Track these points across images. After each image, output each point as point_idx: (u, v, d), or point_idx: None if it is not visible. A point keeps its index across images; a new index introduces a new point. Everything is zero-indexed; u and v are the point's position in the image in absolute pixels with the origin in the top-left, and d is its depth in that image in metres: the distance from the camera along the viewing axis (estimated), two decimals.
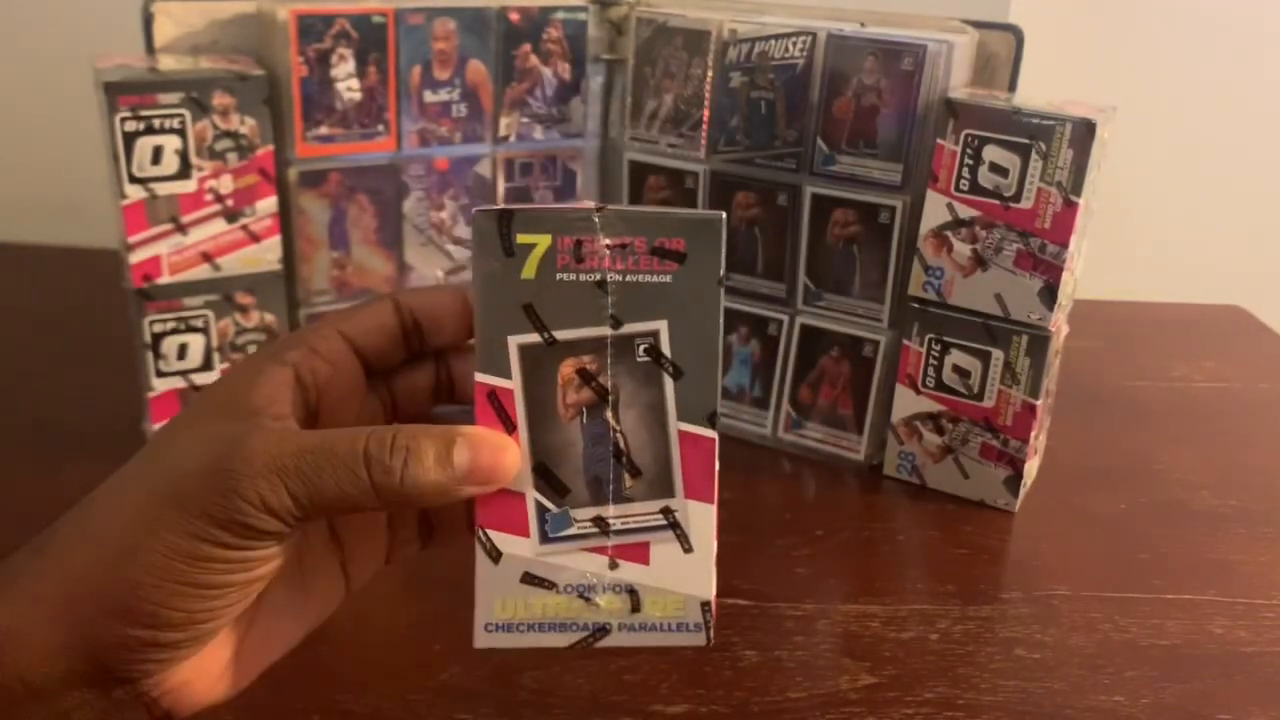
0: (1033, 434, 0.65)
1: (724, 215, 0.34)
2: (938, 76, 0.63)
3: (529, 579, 0.35)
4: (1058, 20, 1.02)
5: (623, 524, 0.35)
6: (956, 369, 0.66)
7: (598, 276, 0.34)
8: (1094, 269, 0.72)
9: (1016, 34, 0.66)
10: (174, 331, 0.66)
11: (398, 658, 0.52)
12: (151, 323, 0.65)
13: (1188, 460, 0.74)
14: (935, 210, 0.64)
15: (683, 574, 0.35)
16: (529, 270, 0.34)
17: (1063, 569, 0.61)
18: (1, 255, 1.00)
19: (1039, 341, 0.63)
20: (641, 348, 0.34)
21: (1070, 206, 0.60)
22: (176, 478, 0.31)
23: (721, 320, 0.34)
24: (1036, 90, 0.65)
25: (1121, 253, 1.00)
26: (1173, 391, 0.85)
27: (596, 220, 0.33)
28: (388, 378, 0.39)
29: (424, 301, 0.37)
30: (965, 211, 0.63)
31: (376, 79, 0.69)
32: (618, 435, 0.34)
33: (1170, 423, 0.80)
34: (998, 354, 0.64)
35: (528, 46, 0.73)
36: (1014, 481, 0.66)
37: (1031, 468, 0.68)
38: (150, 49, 0.67)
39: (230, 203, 0.66)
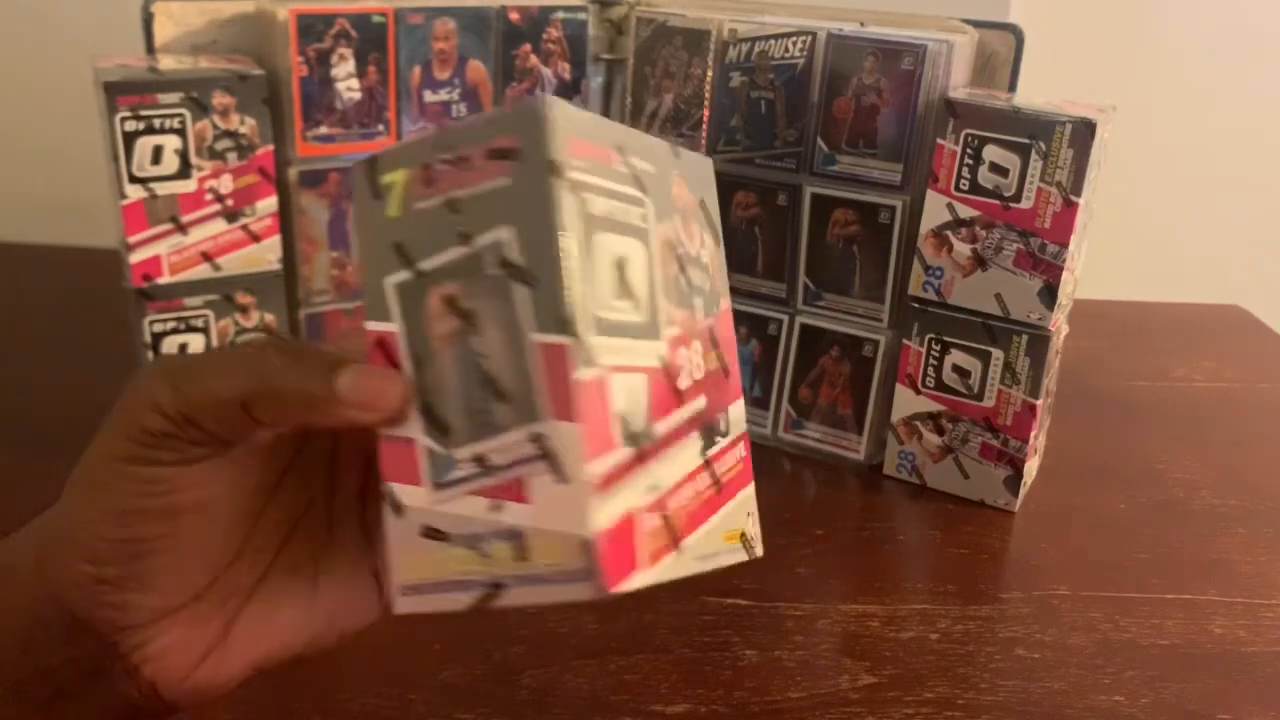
0: (1032, 434, 0.65)
1: (548, 99, 0.30)
2: (938, 76, 0.63)
3: (428, 532, 0.31)
4: (1058, 20, 1.02)
5: (500, 459, 0.30)
6: (956, 369, 0.66)
7: (445, 197, 0.31)
8: (1094, 269, 0.72)
9: (1016, 34, 0.66)
10: (174, 331, 0.66)
11: (398, 658, 0.52)
12: (151, 322, 0.65)
13: (1187, 460, 0.74)
14: (935, 210, 0.64)
15: (562, 510, 0.29)
16: (394, 208, 0.32)
17: (1062, 569, 0.61)
18: (1, 255, 1.00)
19: (1039, 341, 0.63)
20: (492, 260, 0.30)
21: (1070, 206, 0.60)
22: (105, 422, 0.33)
23: (559, 214, 0.29)
24: (1036, 90, 0.65)
25: (1121, 252, 1.00)
26: (1173, 391, 0.85)
27: (435, 140, 0.32)
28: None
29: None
30: (965, 211, 0.63)
31: (376, 79, 0.69)
32: (481, 360, 0.31)
33: (1170, 422, 0.80)
34: (997, 354, 0.64)
35: (528, 46, 0.73)
36: (1014, 481, 0.66)
37: (1031, 467, 0.68)
38: (150, 49, 0.67)
39: (230, 202, 0.66)
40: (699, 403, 0.34)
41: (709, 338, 0.35)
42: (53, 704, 0.33)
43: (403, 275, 0.32)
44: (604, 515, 0.29)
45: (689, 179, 0.36)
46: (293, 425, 0.33)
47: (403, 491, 0.32)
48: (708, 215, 0.37)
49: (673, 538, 0.31)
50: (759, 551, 0.36)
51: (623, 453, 0.30)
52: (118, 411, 0.32)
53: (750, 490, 0.36)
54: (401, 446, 0.32)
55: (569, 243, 0.30)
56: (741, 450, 0.36)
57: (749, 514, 0.36)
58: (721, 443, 0.35)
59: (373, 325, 0.32)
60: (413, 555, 0.32)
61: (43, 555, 0.32)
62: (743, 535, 0.35)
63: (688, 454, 0.33)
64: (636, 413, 0.31)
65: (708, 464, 0.34)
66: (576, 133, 0.31)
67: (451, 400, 0.31)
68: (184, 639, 0.33)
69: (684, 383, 0.33)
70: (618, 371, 0.30)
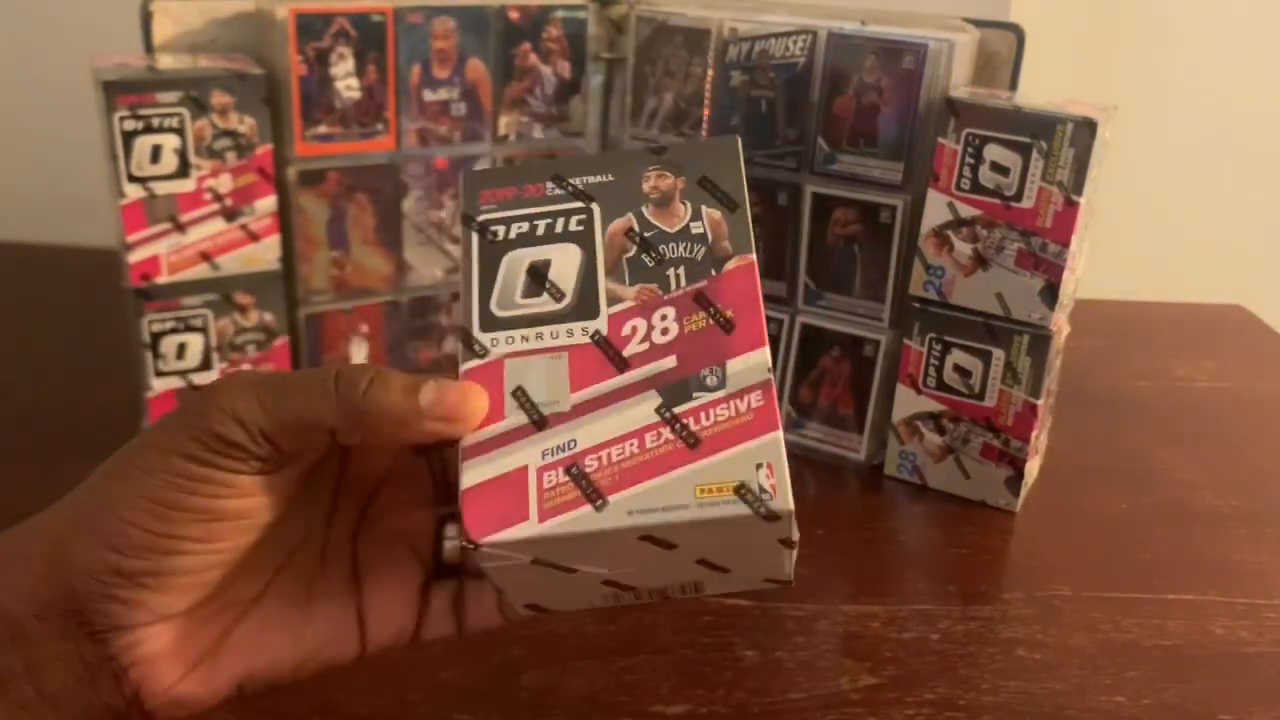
0: (1034, 434, 0.65)
1: (468, 172, 0.39)
2: (939, 75, 0.63)
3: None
4: (1059, 19, 1.02)
5: None
6: (957, 368, 0.66)
7: None
8: (1095, 268, 0.72)
9: (1018, 33, 0.66)
10: (173, 331, 0.66)
11: (398, 658, 0.51)
12: (150, 322, 0.65)
13: (1189, 460, 0.74)
14: (936, 209, 0.64)
15: None
16: None
17: (1064, 569, 0.61)
18: (1, 255, 1.00)
19: (1040, 341, 0.63)
20: None
21: (1071, 206, 0.60)
22: (160, 421, 0.34)
23: (463, 251, 0.39)
24: (1038, 89, 0.65)
25: (1123, 252, 0.99)
26: (1174, 391, 0.85)
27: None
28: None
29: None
30: (966, 210, 0.63)
31: (375, 78, 0.69)
32: None
33: (1171, 422, 0.80)
34: (999, 353, 0.64)
35: (527, 45, 0.73)
36: (1015, 481, 0.66)
37: (1032, 467, 0.68)
38: (149, 48, 0.66)
39: (229, 202, 0.65)
40: (659, 364, 0.36)
41: (692, 301, 0.37)
42: (33, 705, 0.32)
43: None
44: (469, 476, 0.34)
45: (680, 164, 0.40)
46: (376, 442, 0.35)
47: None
48: (710, 188, 0.40)
49: (590, 492, 0.34)
50: (779, 505, 0.35)
51: (511, 421, 0.35)
52: (184, 412, 0.33)
53: (767, 441, 0.35)
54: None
55: (468, 271, 0.38)
56: (753, 402, 0.36)
57: (761, 465, 0.35)
58: (704, 397, 0.35)
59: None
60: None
61: (59, 539, 0.33)
62: (741, 487, 0.35)
63: (632, 413, 0.35)
64: (540, 385, 0.36)
65: (671, 420, 0.35)
66: (491, 185, 0.40)
67: None
68: (177, 645, 0.34)
69: (634, 349, 0.36)
70: (517, 356, 0.36)
